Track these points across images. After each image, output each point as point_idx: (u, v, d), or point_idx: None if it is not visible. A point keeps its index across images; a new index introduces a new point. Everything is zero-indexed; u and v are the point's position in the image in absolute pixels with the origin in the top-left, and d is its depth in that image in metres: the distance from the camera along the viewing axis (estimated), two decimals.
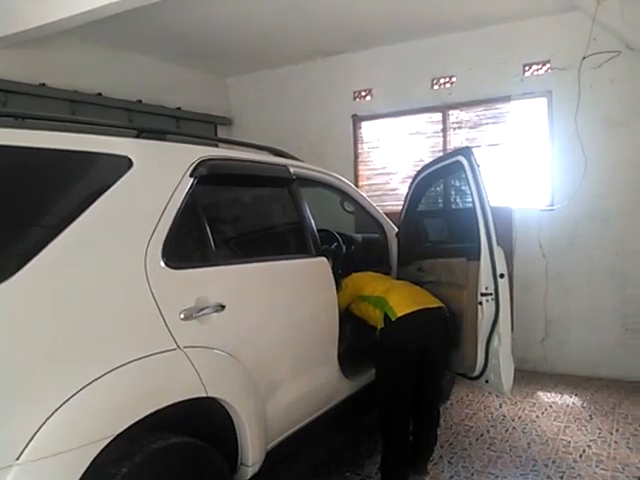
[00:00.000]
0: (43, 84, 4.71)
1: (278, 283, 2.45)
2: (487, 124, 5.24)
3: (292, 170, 2.75)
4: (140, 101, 5.46)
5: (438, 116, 5.53)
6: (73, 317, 1.60)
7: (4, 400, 1.40)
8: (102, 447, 1.54)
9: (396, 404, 2.69)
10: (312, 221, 2.81)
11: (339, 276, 2.97)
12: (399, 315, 2.67)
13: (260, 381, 2.18)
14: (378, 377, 2.81)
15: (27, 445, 1.39)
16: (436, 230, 3.67)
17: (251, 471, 2.08)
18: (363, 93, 5.87)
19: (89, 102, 4.95)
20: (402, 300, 2.75)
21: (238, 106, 6.57)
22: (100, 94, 5.10)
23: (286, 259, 2.56)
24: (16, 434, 1.39)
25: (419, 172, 3.51)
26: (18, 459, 1.38)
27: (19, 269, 1.49)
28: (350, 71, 5.85)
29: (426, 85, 5.49)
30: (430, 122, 5.60)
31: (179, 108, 5.88)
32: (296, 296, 2.54)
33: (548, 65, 4.84)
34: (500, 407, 4.01)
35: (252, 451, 2.07)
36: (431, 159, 4.21)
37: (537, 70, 4.91)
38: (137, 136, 2.20)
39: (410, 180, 3.65)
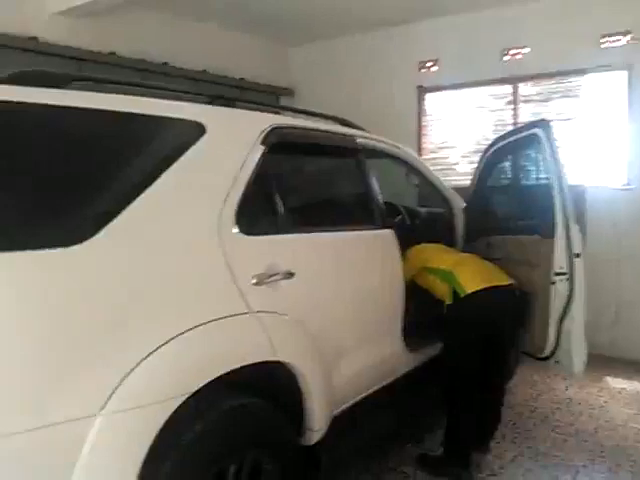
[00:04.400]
0: (113, 53, 4.82)
1: (345, 254, 2.43)
2: (559, 98, 4.99)
3: (359, 141, 2.72)
4: (205, 71, 5.51)
5: (507, 89, 5.31)
6: (153, 278, 1.64)
7: (91, 355, 1.45)
8: (179, 404, 1.58)
9: (462, 380, 2.64)
10: (378, 193, 2.77)
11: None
12: (468, 292, 2.60)
13: (326, 349, 2.18)
14: (445, 352, 2.78)
15: (111, 397, 1.45)
16: (506, 205, 3.55)
17: (316, 436, 2.11)
18: (429, 64, 5.69)
19: (156, 71, 5.04)
20: (471, 276, 2.68)
21: (299, 77, 6.53)
22: (166, 63, 5.17)
23: (353, 230, 2.54)
24: (102, 386, 1.44)
25: (491, 145, 3.39)
26: (103, 409, 1.43)
27: (98, 231, 1.53)
28: (415, 41, 5.69)
29: (496, 56, 5.27)
30: (498, 95, 5.39)
31: (242, 78, 5.90)
32: (362, 267, 2.51)
33: (630, 36, 4.52)
34: (566, 390, 3.89)
35: (318, 416, 2.09)
36: (498, 133, 4.05)
37: (616, 41, 4.60)
38: (209, 103, 2.22)
39: (480, 153, 3.54)
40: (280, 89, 6.39)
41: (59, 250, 1.43)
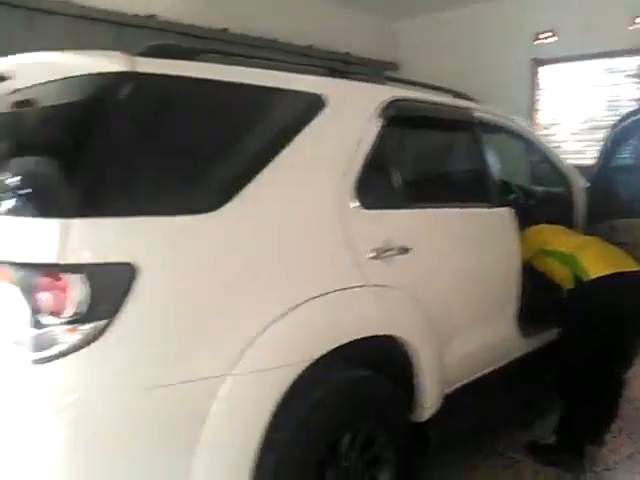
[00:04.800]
0: (225, 29, 4.95)
1: (462, 231, 2.37)
2: None
3: (476, 114, 2.61)
4: (311, 46, 5.53)
5: (631, 61, 4.87)
6: (278, 247, 1.68)
7: (224, 318, 1.52)
8: (301, 370, 1.62)
9: (580, 369, 2.51)
10: (496, 169, 2.66)
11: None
12: (592, 277, 2.44)
13: (439, 326, 2.15)
14: (563, 339, 2.64)
15: (240, 358, 1.51)
16: (635, 187, 3.28)
17: (427, 413, 2.09)
18: (546, 34, 5.35)
19: (266, 47, 5.12)
20: (595, 260, 2.51)
21: (405, 51, 6.39)
22: (276, 40, 5.24)
23: (470, 207, 2.46)
24: (233, 348, 1.51)
25: (621, 120, 3.13)
26: (233, 370, 1.50)
27: (228, 201, 1.58)
28: (531, 11, 5.36)
29: (621, 25, 4.84)
30: (615, 69, 4.97)
31: (348, 53, 5.87)
32: (478, 245, 2.43)
33: None
34: None
35: (429, 393, 2.07)
36: (612, 110, 3.72)
37: None
38: (329, 75, 2.21)
39: (606, 130, 3.28)
40: (385, 63, 6.29)
41: (193, 217, 1.51)
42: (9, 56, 1.75)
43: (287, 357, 1.61)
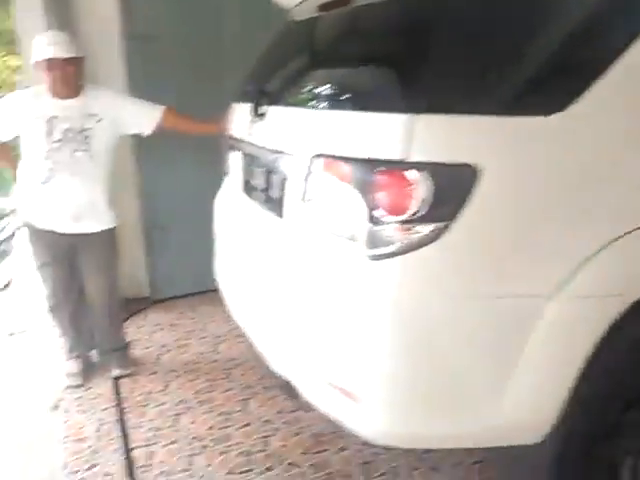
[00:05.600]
0: None
1: None
2: None
3: None
4: None
5: None
6: (619, 159, 1.44)
7: (558, 235, 1.38)
8: (629, 303, 1.44)
9: None
10: None
11: None
12: None
13: None
14: None
15: (571, 280, 1.37)
16: None
17: None
18: None
19: None
20: None
21: None
22: None
23: None
24: (565, 267, 1.37)
25: None
26: (562, 291, 1.37)
27: (571, 103, 1.38)
28: None
29: None
30: None
31: None
32: None
33: None
34: None
35: None
36: None
37: None
38: None
39: None
40: None
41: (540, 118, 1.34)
42: None
43: (616, 287, 1.42)
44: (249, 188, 2.04)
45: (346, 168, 1.39)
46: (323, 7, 1.79)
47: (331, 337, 1.46)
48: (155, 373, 2.74)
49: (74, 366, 2.66)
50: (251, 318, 1.94)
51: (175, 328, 3.21)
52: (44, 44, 2.28)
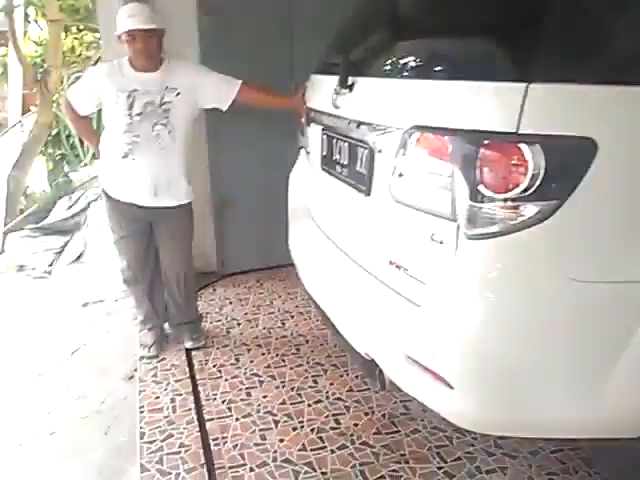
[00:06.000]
0: None
1: None
2: None
3: None
4: None
5: None
6: None
7: None
8: None
9: None
10: None
11: None
12: None
13: None
14: None
15: None
16: None
17: None
18: None
19: None
20: None
21: None
22: None
23: None
24: None
25: None
26: None
27: None
28: None
29: None
30: None
31: None
32: None
33: None
34: None
35: None
36: None
37: None
38: None
39: None
40: None
41: None
42: None
43: None
44: (329, 163, 1.98)
45: (446, 141, 1.31)
46: None
47: (423, 320, 1.41)
48: (226, 346, 2.77)
49: (148, 337, 2.72)
50: (333, 298, 1.90)
51: (243, 302, 3.23)
52: (126, 16, 2.28)
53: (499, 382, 1.33)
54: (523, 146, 1.19)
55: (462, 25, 1.39)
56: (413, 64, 1.51)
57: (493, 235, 1.26)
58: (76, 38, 5.55)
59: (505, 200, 1.23)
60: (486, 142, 1.23)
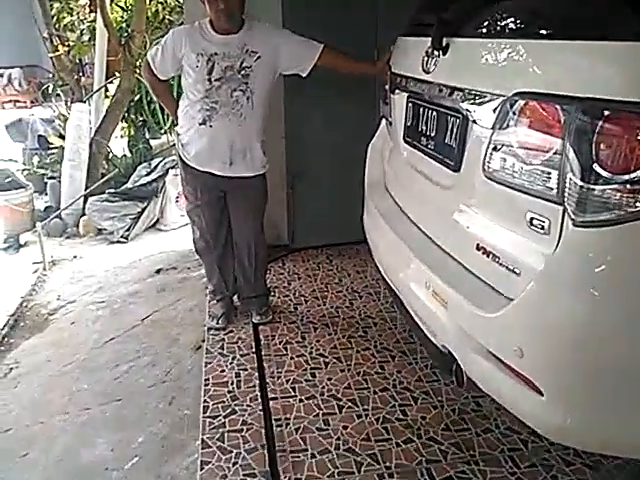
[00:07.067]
0: None
1: None
2: None
3: None
4: None
5: None
6: None
7: None
8: None
9: None
10: None
11: None
12: None
13: None
14: None
15: None
16: None
17: None
18: None
19: None
20: None
21: None
22: None
23: None
24: None
25: None
26: None
27: None
28: None
29: None
30: None
31: None
32: None
33: None
34: None
35: None
36: None
37: None
38: None
39: None
40: None
41: None
42: None
43: None
44: (414, 135, 1.82)
45: (557, 110, 1.12)
46: None
47: (514, 316, 1.24)
48: (293, 322, 2.69)
49: (217, 308, 2.69)
50: (409, 282, 1.75)
51: (312, 279, 3.14)
52: None
53: (602, 395, 1.15)
54: None
55: None
56: (519, 21, 1.31)
57: (606, 223, 1.07)
58: (160, 2, 5.56)
59: (624, 183, 1.04)
60: (606, 113, 1.04)
